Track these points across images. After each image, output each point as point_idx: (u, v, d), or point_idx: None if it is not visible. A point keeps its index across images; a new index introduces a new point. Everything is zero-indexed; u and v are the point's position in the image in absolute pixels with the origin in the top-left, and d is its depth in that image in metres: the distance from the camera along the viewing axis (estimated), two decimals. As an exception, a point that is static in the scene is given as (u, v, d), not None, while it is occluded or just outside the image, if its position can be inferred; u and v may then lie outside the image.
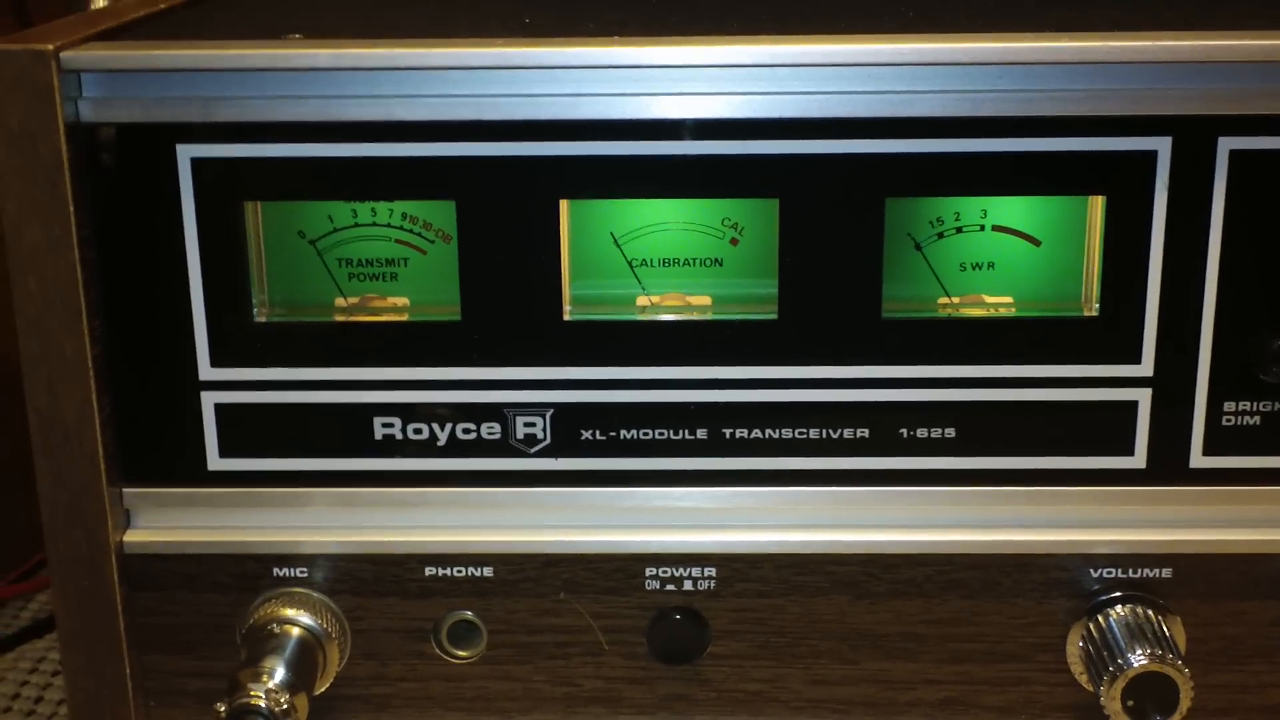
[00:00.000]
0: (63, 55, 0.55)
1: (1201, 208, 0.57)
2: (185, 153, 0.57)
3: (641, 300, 0.61)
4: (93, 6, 0.81)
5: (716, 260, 0.61)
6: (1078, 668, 0.62)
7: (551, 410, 0.60)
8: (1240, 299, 0.58)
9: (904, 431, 0.60)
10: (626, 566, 0.62)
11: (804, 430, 0.60)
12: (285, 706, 0.57)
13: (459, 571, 0.62)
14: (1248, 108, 0.56)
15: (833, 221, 0.58)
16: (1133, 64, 0.56)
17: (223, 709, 0.57)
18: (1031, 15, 0.65)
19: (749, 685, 0.63)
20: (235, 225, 0.59)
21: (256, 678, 0.58)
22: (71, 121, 0.56)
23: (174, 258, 0.58)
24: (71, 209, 0.56)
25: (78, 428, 0.59)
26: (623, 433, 0.61)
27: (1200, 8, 0.68)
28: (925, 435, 0.60)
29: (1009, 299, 0.61)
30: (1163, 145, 0.57)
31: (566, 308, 0.60)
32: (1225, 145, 0.57)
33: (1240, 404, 0.59)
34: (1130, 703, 0.58)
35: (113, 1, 0.82)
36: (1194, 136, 0.57)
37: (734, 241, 0.60)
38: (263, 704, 0.56)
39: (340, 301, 0.61)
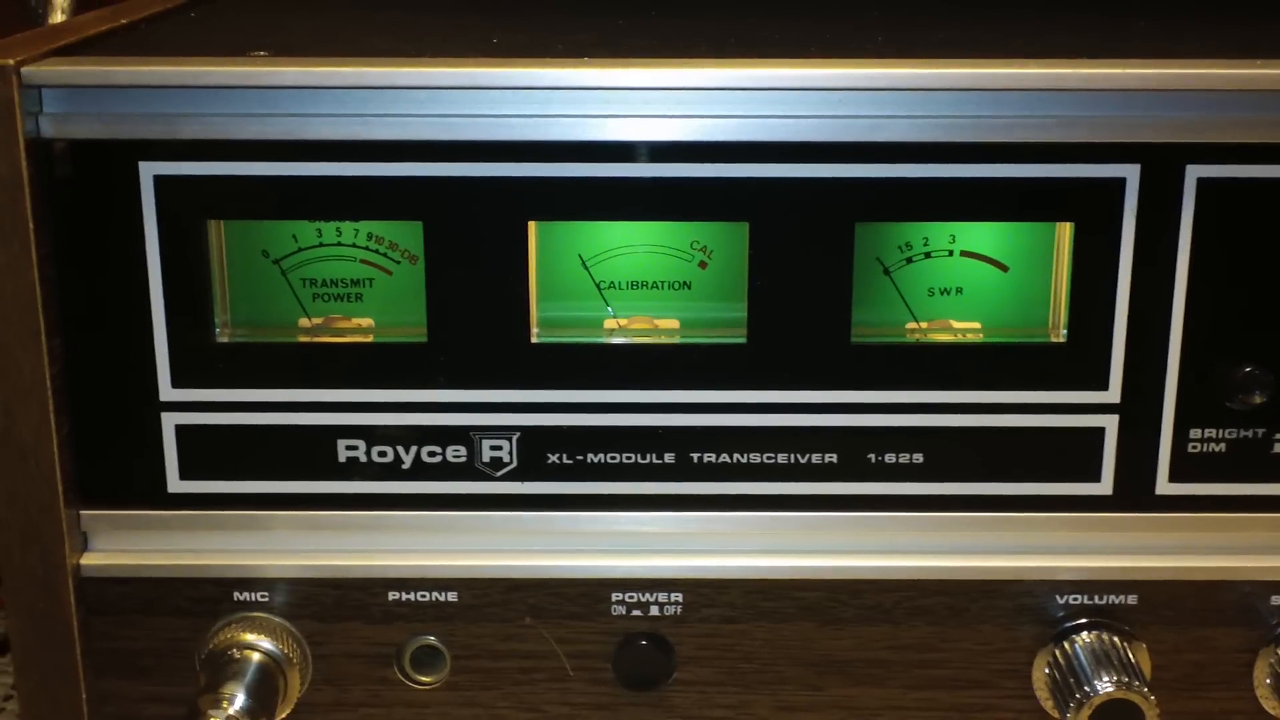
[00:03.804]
0: (24, 70, 0.55)
1: (1169, 235, 0.58)
2: (148, 170, 0.57)
3: (609, 323, 0.60)
4: (51, 21, 0.81)
5: (685, 283, 0.60)
6: (1043, 694, 0.62)
7: (518, 433, 0.60)
8: (1207, 326, 0.58)
9: (872, 456, 0.60)
10: (592, 591, 0.61)
11: (772, 455, 0.60)
12: (245, 733, 0.56)
13: (423, 596, 0.61)
14: (1215, 136, 0.56)
15: (802, 246, 0.58)
16: (1102, 91, 0.56)
17: (181, 736, 0.56)
18: (1001, 42, 0.65)
19: (715, 712, 0.63)
20: (198, 244, 0.58)
21: (216, 704, 0.57)
22: (32, 137, 0.55)
23: (135, 276, 0.58)
24: (31, 226, 0.55)
25: (35, 448, 0.58)
26: (590, 456, 0.60)
27: (1169, 36, 0.69)
28: (893, 460, 0.60)
29: (977, 324, 0.61)
30: (1131, 173, 0.57)
31: (534, 330, 0.59)
32: (1193, 173, 0.57)
33: (1206, 431, 0.60)
34: (1097, 730, 0.58)
35: (73, 16, 0.81)
36: (1162, 164, 0.57)
37: (702, 265, 0.60)
38: (222, 731, 0.56)
39: (304, 322, 0.60)
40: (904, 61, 0.56)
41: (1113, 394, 0.59)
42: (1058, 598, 0.61)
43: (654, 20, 0.73)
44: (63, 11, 0.80)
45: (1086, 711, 0.58)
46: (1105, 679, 0.58)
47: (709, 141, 0.57)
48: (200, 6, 0.75)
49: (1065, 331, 0.59)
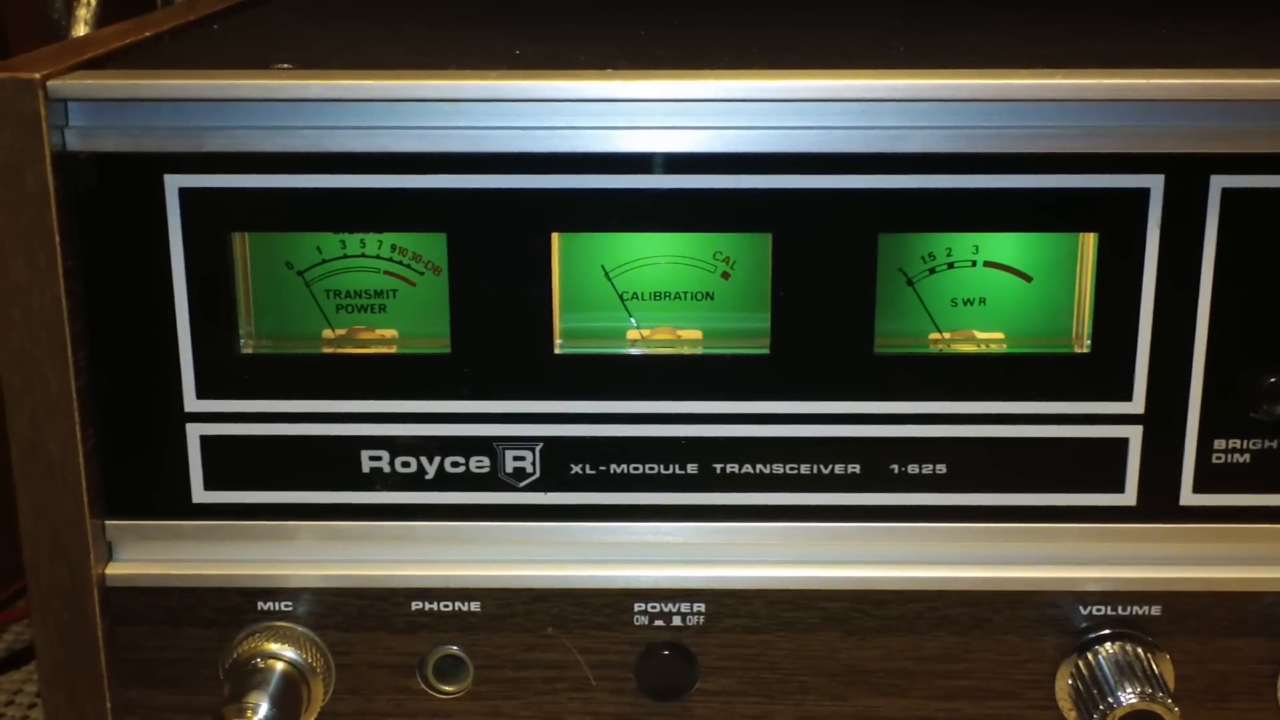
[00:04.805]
0: (50, 84, 0.55)
1: (1193, 246, 0.57)
2: (173, 183, 0.57)
3: (632, 334, 0.61)
4: (74, 34, 0.81)
5: (708, 294, 0.60)
6: (1067, 705, 0.61)
7: (541, 444, 0.60)
8: (1231, 337, 0.58)
9: (895, 467, 0.60)
10: (615, 602, 0.61)
11: (795, 465, 0.60)
12: (269, 743, 0.56)
13: (446, 606, 0.61)
14: (1240, 146, 0.56)
15: (825, 256, 0.58)
16: (1126, 102, 0.56)
17: (207, 746, 0.56)
18: (1024, 52, 0.65)
19: (738, 722, 0.63)
20: (223, 256, 0.58)
21: (240, 713, 0.57)
22: (58, 151, 0.55)
23: (160, 289, 0.58)
24: (57, 239, 0.56)
25: (61, 460, 0.58)
26: (613, 467, 0.60)
27: (1193, 40, 0.69)
28: (916, 471, 0.60)
29: (1000, 335, 0.61)
30: (1155, 183, 0.57)
31: (557, 341, 0.59)
32: (1218, 183, 0.57)
33: (1230, 442, 0.59)
34: (1121, 741, 0.58)
35: (95, 29, 0.81)
36: (1186, 174, 0.57)
37: (725, 275, 0.60)
38: (247, 741, 0.56)
39: (328, 333, 0.60)
40: (926, 72, 0.56)
41: (1137, 404, 0.59)
42: (1081, 608, 0.61)
43: (676, 30, 0.74)
44: (85, 24, 0.81)
45: (1111, 722, 0.58)
46: (1129, 690, 0.58)
47: (732, 153, 0.57)
48: (221, 19, 0.75)
49: (1089, 342, 0.59)
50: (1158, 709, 0.58)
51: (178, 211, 0.57)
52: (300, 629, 0.61)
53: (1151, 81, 0.55)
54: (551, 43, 0.69)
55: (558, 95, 0.56)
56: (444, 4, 0.84)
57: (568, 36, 0.71)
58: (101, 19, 0.86)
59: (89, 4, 0.80)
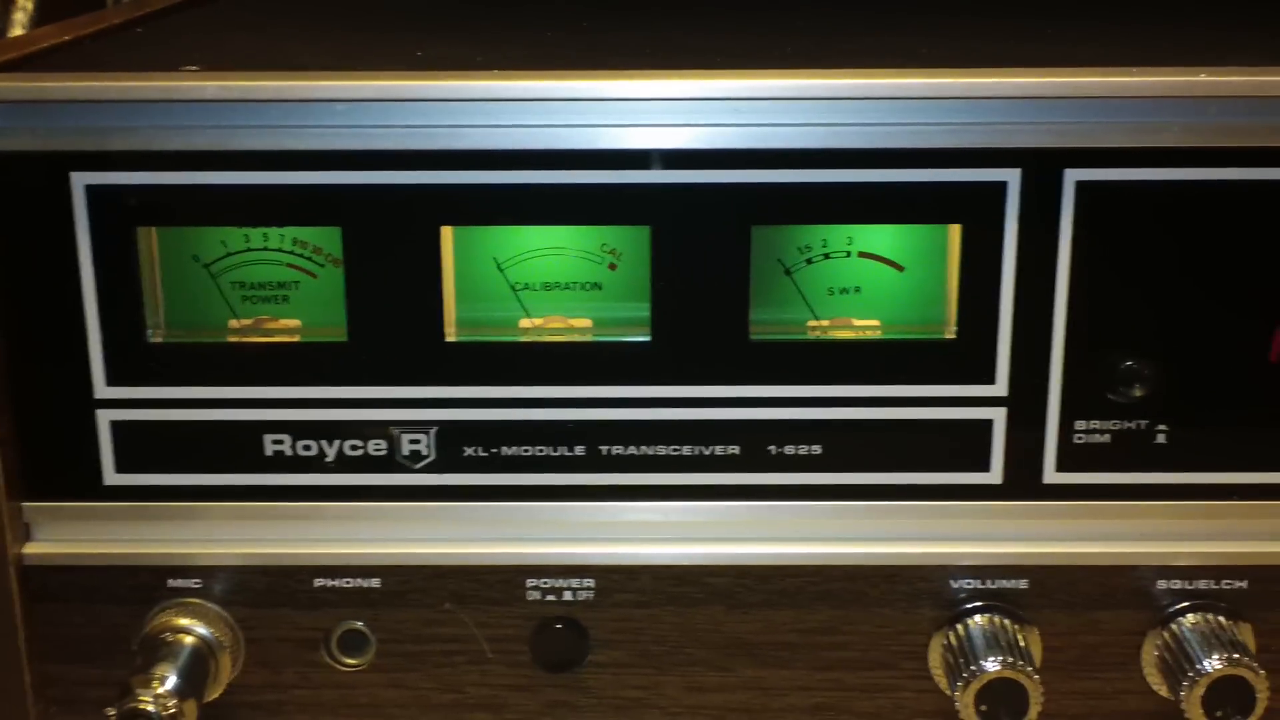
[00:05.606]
0: (-40, 88, 0.58)
1: (1050, 236, 0.60)
2: (79, 180, 0.60)
3: (524, 323, 0.63)
4: (11, 35, 0.84)
5: (596, 284, 0.63)
6: (939, 674, 0.64)
7: (436, 428, 0.63)
8: (1089, 322, 0.61)
9: (772, 448, 0.63)
10: (509, 578, 0.64)
11: (677, 447, 0.63)
12: (173, 711, 0.59)
13: (348, 583, 0.64)
14: (1092, 141, 0.59)
15: (701, 248, 0.61)
16: (983, 99, 0.59)
17: (112, 713, 0.59)
18: (907, 50, 0.67)
19: (628, 692, 0.66)
20: (129, 250, 0.61)
21: (147, 684, 0.60)
22: (-31, 151, 0.58)
23: (70, 282, 0.61)
24: (-31, 235, 0.59)
25: (-23, 445, 0.61)
26: (504, 449, 0.63)
27: (1074, 41, 0.72)
28: (793, 452, 0.63)
29: (876, 322, 0.63)
30: (1012, 177, 0.60)
31: (450, 330, 0.62)
32: (1071, 176, 0.60)
33: (1091, 423, 0.62)
34: (984, 707, 0.61)
35: (31, 30, 0.84)
36: (1041, 168, 0.59)
37: (612, 266, 0.63)
38: (151, 709, 0.59)
39: (233, 323, 0.63)
40: (797, 72, 0.59)
41: (1000, 387, 0.62)
42: (952, 582, 0.64)
43: (581, 32, 0.76)
44: (21, 27, 0.83)
45: (974, 689, 0.61)
46: (992, 659, 0.61)
47: (613, 149, 0.60)
48: (147, 22, 0.78)
49: (956, 328, 0.62)
50: (1018, 677, 0.60)
51: (85, 208, 0.60)
52: (210, 605, 0.64)
53: (1005, 80, 0.58)
54: (458, 45, 0.72)
55: (444, 95, 0.59)
56: (374, 8, 0.87)
57: (476, 39, 0.74)
58: (42, 20, 0.89)
59: (25, 7, 0.83)
